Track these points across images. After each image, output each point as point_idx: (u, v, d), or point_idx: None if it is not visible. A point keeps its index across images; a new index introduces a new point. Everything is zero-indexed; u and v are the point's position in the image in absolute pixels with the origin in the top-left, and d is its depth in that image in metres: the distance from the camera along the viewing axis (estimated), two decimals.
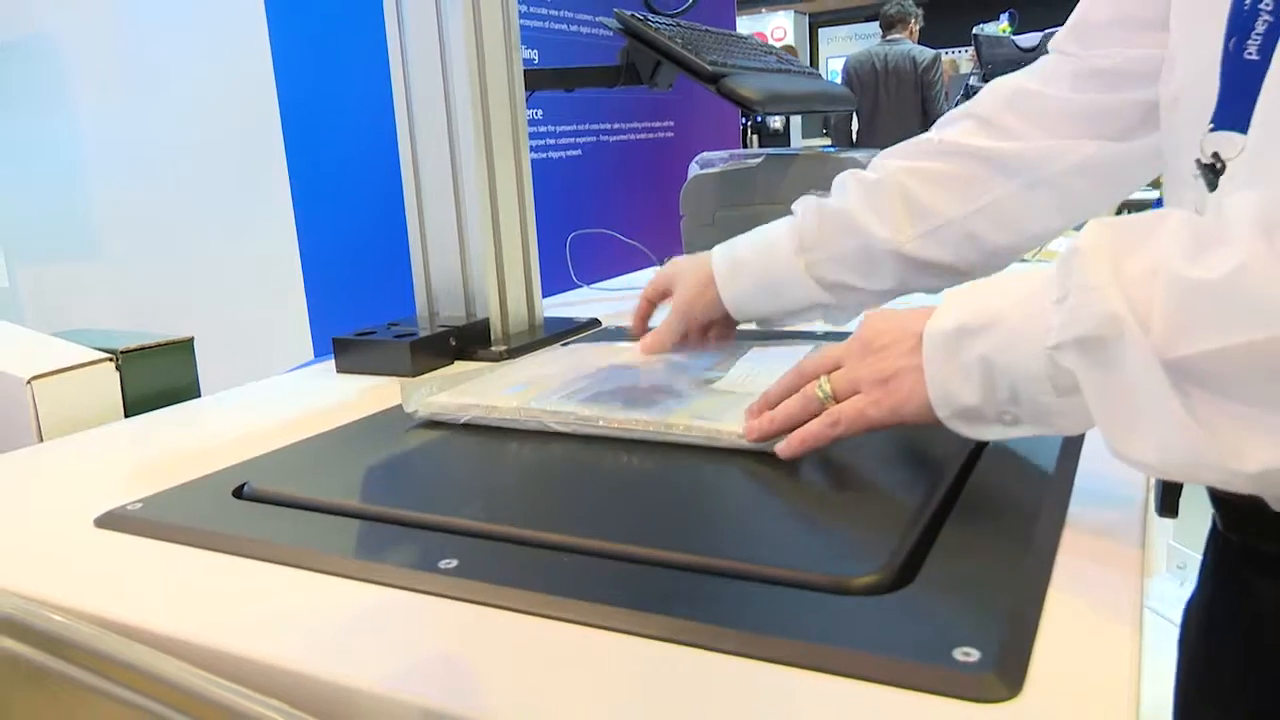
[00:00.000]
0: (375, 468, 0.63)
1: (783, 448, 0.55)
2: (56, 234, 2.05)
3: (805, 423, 0.55)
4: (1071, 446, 0.57)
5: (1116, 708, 0.33)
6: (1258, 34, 0.48)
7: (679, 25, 1.20)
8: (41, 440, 0.77)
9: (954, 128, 0.72)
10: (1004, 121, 0.69)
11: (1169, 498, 0.97)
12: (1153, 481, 0.96)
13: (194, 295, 1.84)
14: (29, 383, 0.76)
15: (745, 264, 0.77)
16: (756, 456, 0.57)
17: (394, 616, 0.43)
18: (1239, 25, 0.48)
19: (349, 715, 0.37)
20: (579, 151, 2.26)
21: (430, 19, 0.96)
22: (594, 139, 2.31)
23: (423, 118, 0.99)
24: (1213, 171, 0.50)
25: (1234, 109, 0.48)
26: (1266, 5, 0.47)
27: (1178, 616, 0.76)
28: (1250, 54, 0.48)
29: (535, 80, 1.18)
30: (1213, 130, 0.50)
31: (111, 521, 0.56)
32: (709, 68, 1.11)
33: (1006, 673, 0.34)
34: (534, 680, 0.37)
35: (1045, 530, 0.46)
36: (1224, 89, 0.49)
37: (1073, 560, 0.44)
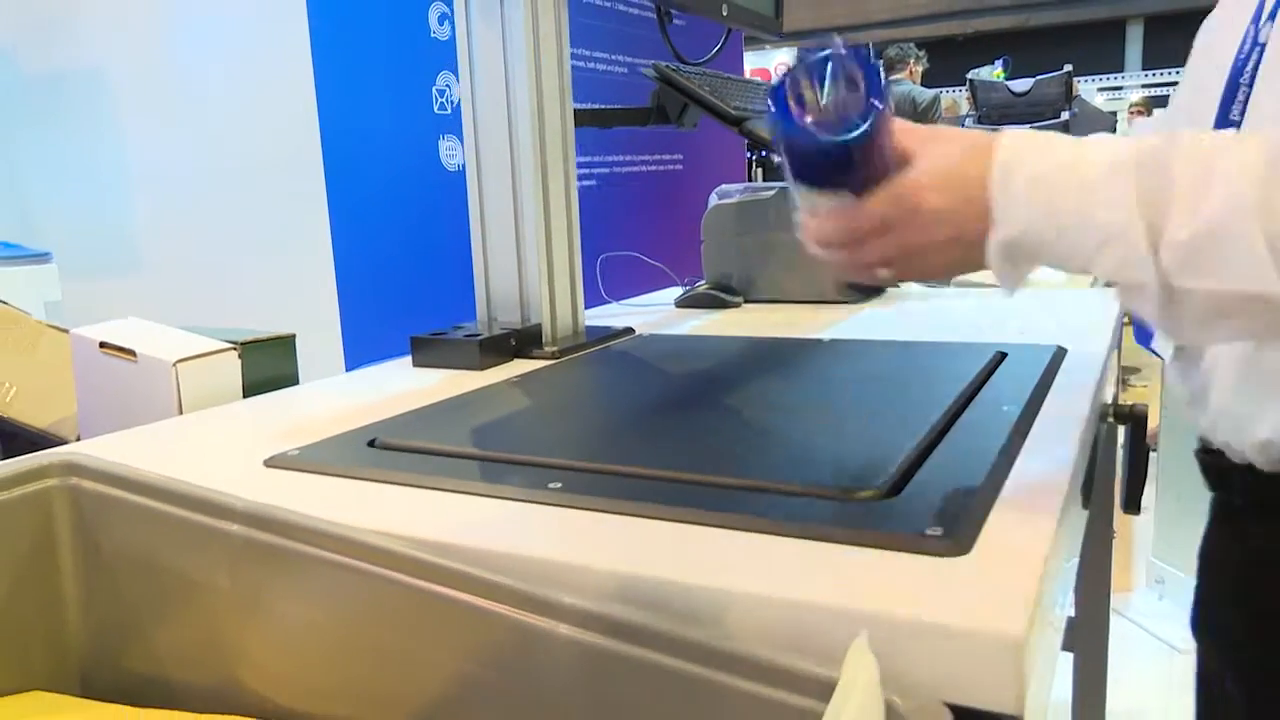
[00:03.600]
0: (481, 426, 0.79)
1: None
2: (105, 251, 2.19)
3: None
4: (1035, 402, 0.75)
5: (1031, 565, 0.49)
6: (1239, 101, 0.64)
7: (705, 74, 1.38)
8: (182, 414, 0.93)
9: None
10: None
11: (1132, 495, 1.12)
12: (1120, 476, 1.11)
13: (233, 310, 1.98)
14: (174, 365, 0.92)
15: None
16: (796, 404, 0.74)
17: (519, 515, 0.59)
18: (1229, 95, 0.65)
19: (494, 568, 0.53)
20: (594, 182, 2.43)
21: (499, 67, 1.14)
22: (607, 170, 2.48)
23: (488, 151, 1.16)
24: None
25: None
26: (1245, 79, 0.64)
27: (1158, 629, 0.86)
28: (1234, 116, 0.64)
29: (579, 119, 1.35)
30: None
31: (278, 462, 0.71)
32: (733, 112, 1.28)
33: (960, 542, 0.50)
34: (620, 548, 0.53)
35: (1002, 461, 0.62)
36: None
37: (1019, 481, 0.60)
